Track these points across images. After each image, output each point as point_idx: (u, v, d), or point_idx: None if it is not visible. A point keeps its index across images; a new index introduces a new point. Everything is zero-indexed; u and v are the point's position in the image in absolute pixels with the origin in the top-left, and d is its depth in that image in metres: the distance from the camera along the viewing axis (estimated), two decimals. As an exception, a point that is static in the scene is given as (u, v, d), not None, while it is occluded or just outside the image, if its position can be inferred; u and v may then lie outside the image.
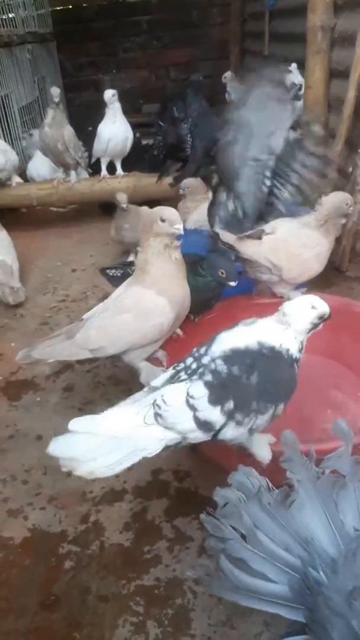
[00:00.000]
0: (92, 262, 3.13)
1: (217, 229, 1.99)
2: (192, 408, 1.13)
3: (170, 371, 1.24)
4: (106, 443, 1.13)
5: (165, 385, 1.21)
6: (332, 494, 1.00)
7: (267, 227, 1.95)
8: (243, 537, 0.97)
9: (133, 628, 1.25)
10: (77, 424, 1.15)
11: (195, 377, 1.17)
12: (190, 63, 5.99)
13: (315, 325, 1.23)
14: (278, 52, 4.27)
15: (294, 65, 3.34)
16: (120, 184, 3.46)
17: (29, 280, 2.93)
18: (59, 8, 6.03)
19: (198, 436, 1.16)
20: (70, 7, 6.10)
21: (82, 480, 1.62)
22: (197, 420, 1.14)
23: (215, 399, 1.14)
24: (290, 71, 3.45)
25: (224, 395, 1.14)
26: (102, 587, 1.35)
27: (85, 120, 4.31)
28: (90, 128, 3.45)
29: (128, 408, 1.20)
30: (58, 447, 1.14)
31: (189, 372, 1.19)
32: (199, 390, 1.14)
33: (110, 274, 1.99)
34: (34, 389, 2.08)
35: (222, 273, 1.72)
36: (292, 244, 1.90)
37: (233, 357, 1.16)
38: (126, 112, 3.91)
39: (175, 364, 1.25)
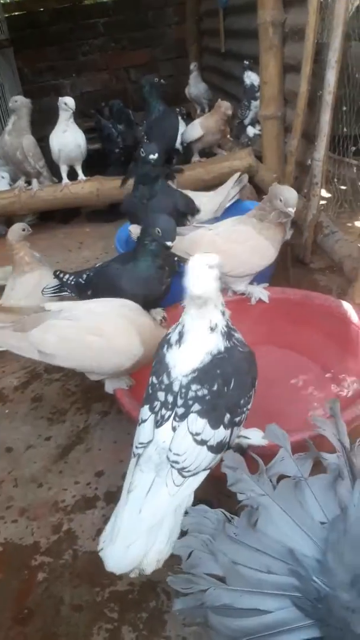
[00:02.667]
0: (58, 269, 3.10)
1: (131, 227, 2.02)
2: (202, 442, 1.14)
3: (149, 415, 1.20)
4: (152, 528, 1.10)
5: (155, 432, 1.17)
6: (295, 496, 0.98)
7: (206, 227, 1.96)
8: (219, 579, 0.93)
9: (108, 635, 1.25)
10: (130, 538, 1.09)
11: (179, 409, 1.16)
12: (149, 64, 5.99)
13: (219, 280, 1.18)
14: (234, 49, 4.30)
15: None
16: (83, 189, 3.44)
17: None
18: (14, 14, 5.97)
19: (218, 459, 1.17)
20: (26, 12, 6.04)
21: (54, 490, 1.66)
22: (211, 448, 1.15)
23: (215, 422, 1.15)
24: (252, 69, 3.53)
25: (220, 414, 1.15)
26: (75, 596, 1.35)
27: (47, 125, 4.30)
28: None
29: (147, 480, 1.14)
30: (118, 564, 1.09)
31: (169, 406, 1.17)
32: (198, 423, 1.14)
33: (65, 279, 1.90)
34: (2, 401, 2.06)
35: (158, 232, 1.65)
36: (220, 239, 1.88)
37: (202, 376, 1.16)
38: (89, 115, 3.92)
39: (148, 406, 1.21)
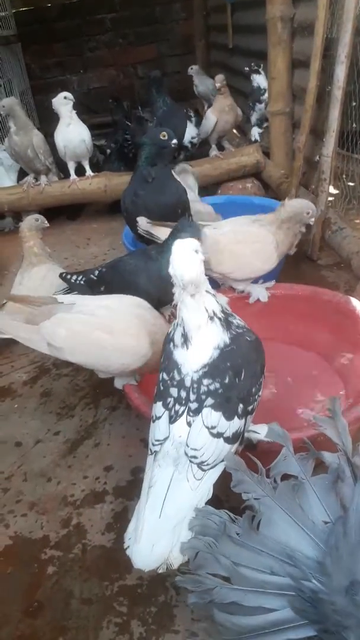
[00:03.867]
0: (67, 265, 3.12)
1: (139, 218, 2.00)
2: (219, 435, 1.15)
3: (163, 411, 1.20)
4: (176, 526, 1.11)
5: (170, 428, 1.18)
6: (294, 498, 0.99)
7: (218, 225, 1.95)
8: (225, 579, 0.94)
9: (117, 629, 1.26)
10: (154, 537, 1.10)
11: (192, 404, 1.16)
12: (157, 59, 5.98)
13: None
14: (242, 45, 4.28)
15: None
16: (91, 186, 3.45)
17: (4, 286, 2.91)
18: (22, 9, 5.97)
19: (234, 449, 1.18)
20: (33, 8, 6.04)
21: (63, 484, 1.66)
22: (228, 440, 1.15)
23: (230, 413, 1.16)
24: (260, 73, 3.50)
25: (233, 405, 1.16)
26: (85, 590, 1.35)
27: (53, 122, 4.30)
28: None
29: (166, 475, 1.14)
30: (145, 562, 1.10)
31: (182, 402, 1.17)
32: (213, 417, 1.15)
33: (72, 280, 1.89)
34: (11, 396, 2.07)
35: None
36: (226, 239, 1.85)
37: (213, 371, 1.16)
38: (97, 111, 3.91)
39: (161, 402, 1.20)
